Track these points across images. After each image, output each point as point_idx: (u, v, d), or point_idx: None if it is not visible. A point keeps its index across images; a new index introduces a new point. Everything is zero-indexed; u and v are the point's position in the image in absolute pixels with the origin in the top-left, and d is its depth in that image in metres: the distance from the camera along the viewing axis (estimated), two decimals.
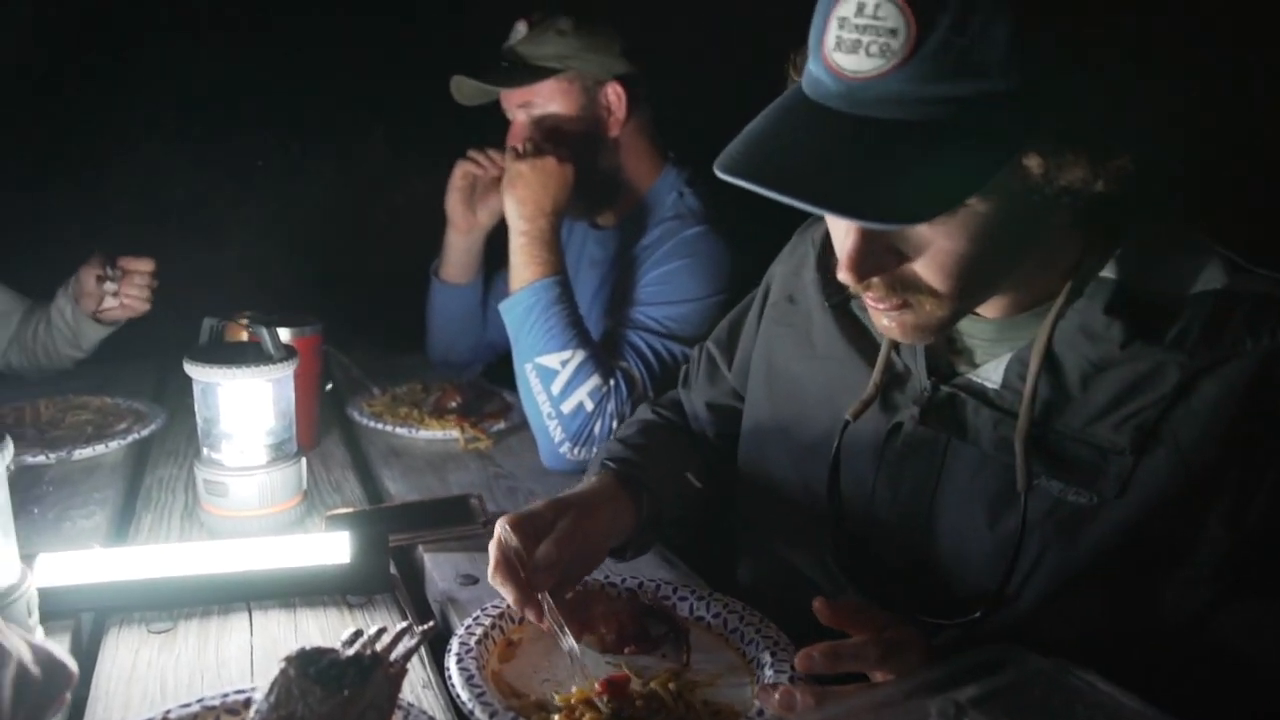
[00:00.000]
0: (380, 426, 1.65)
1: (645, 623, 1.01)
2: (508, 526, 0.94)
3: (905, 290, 0.83)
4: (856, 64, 0.73)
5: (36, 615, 0.93)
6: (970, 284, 0.82)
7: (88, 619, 1.05)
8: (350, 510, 1.30)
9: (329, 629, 1.03)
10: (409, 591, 1.14)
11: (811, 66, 0.78)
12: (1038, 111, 0.72)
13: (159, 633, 1.01)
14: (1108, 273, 0.86)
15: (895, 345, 0.99)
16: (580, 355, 1.50)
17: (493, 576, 0.93)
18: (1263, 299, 0.82)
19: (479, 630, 0.97)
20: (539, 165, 1.59)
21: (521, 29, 1.73)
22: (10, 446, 0.89)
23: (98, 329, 1.80)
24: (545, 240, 1.58)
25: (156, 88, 2.45)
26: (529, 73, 1.70)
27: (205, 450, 1.23)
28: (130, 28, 2.49)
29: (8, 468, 0.89)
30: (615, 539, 1.06)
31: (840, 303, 1.05)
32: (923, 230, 0.79)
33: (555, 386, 1.50)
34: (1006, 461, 0.89)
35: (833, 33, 0.75)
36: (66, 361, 1.88)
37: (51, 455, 1.46)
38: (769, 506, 1.13)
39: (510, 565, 0.92)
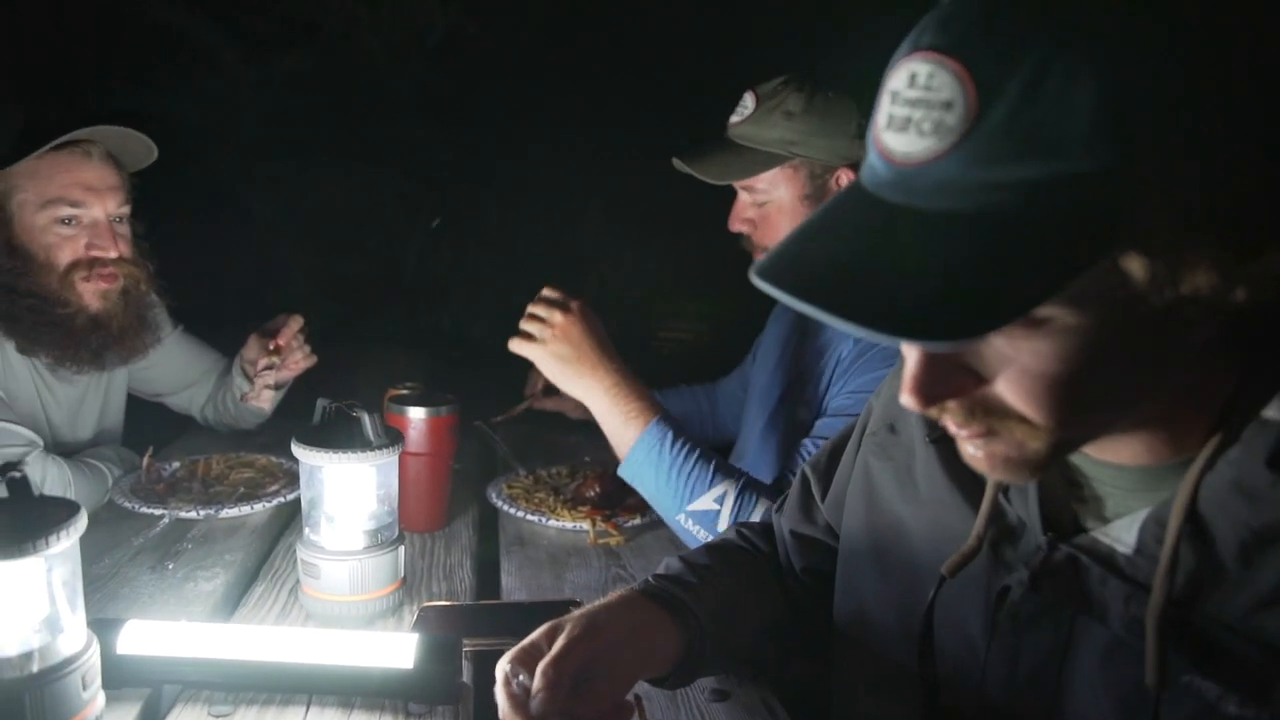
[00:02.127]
0: (512, 511, 1.61)
1: None
2: (509, 663, 0.85)
3: (989, 416, 0.67)
4: (908, 145, 0.60)
5: (95, 685, 0.93)
6: (1069, 412, 0.65)
7: (167, 691, 1.06)
8: (445, 604, 1.25)
9: None
10: (479, 702, 1.06)
11: (869, 150, 0.65)
12: (1138, 197, 0.56)
13: (219, 717, 1.00)
14: (1272, 412, 0.66)
15: (1005, 490, 0.81)
16: (734, 486, 1.39)
17: (503, 717, 0.84)
18: None
19: None
20: (552, 335, 1.47)
21: (749, 104, 1.62)
22: (83, 518, 0.90)
23: (274, 395, 1.89)
24: (619, 389, 1.46)
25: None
26: (750, 162, 1.59)
27: (306, 530, 1.22)
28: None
29: (78, 538, 0.91)
30: (649, 659, 0.94)
31: (943, 437, 0.86)
32: (999, 346, 0.63)
33: (721, 525, 1.39)
34: (1142, 648, 0.68)
35: (884, 109, 0.62)
36: (251, 422, 2.00)
37: (201, 512, 1.52)
38: (861, 660, 0.96)
39: (519, 701, 0.83)
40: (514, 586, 1.37)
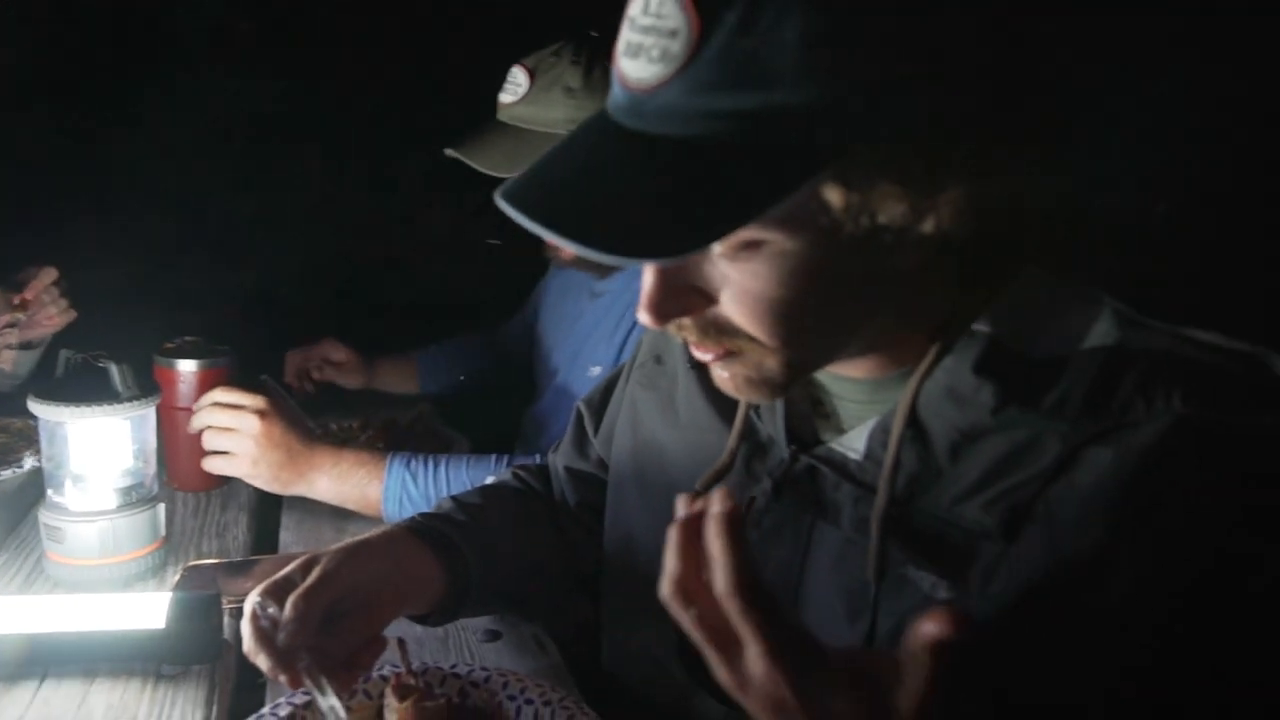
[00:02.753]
0: None
1: None
2: (259, 595, 0.82)
3: (722, 336, 0.70)
4: (639, 71, 0.61)
5: None
6: (790, 331, 0.68)
7: None
8: (211, 562, 1.19)
9: (122, 706, 0.92)
10: (243, 658, 1.02)
11: (612, 76, 0.66)
12: (837, 130, 0.59)
13: None
14: (981, 326, 0.71)
15: (756, 409, 0.85)
16: (503, 464, 1.37)
17: (247, 651, 0.82)
18: (1159, 357, 0.67)
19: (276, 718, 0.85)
20: (256, 444, 1.32)
21: (521, 81, 1.52)
22: None
23: (29, 356, 1.74)
24: (342, 461, 1.35)
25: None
26: (536, 146, 1.48)
27: (50, 492, 1.13)
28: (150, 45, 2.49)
29: None
30: (409, 596, 0.92)
31: (704, 363, 0.90)
32: (723, 268, 0.66)
33: None
34: (868, 545, 0.74)
35: (623, 35, 0.63)
36: (4, 385, 1.83)
37: None
38: (630, 587, 0.99)
39: (264, 634, 0.80)
40: (292, 541, 1.33)
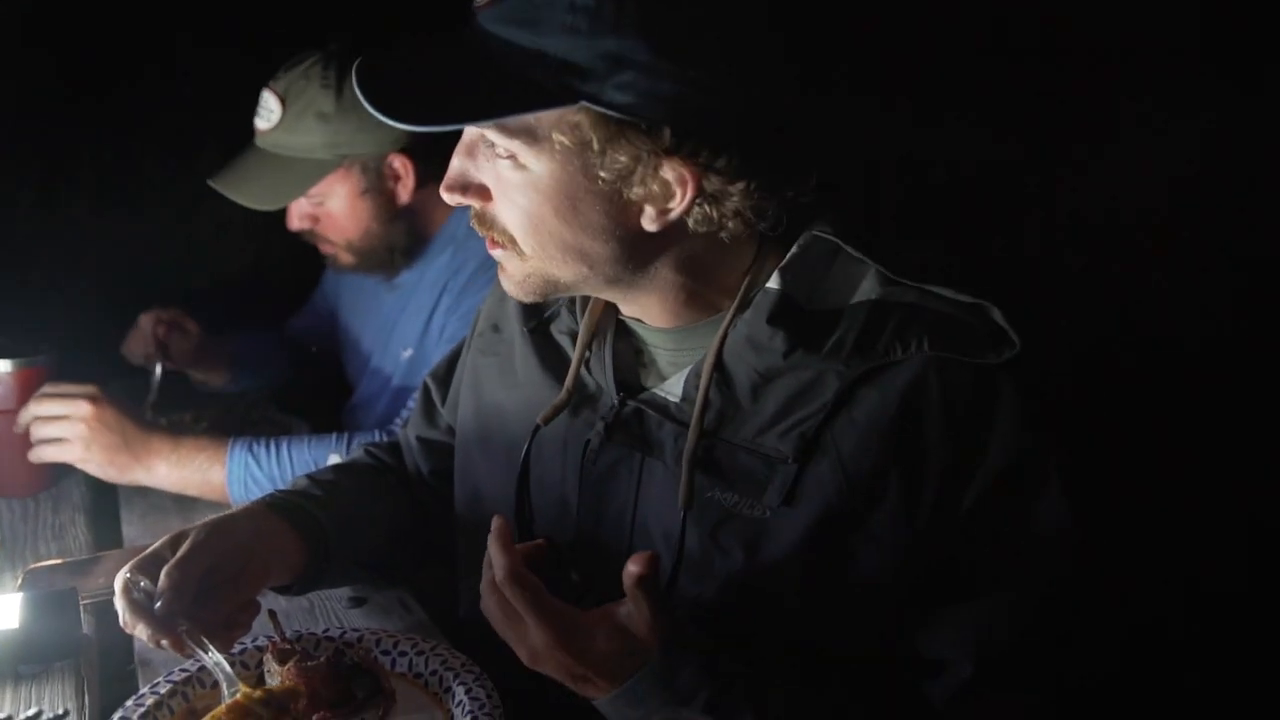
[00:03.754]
0: None
1: (349, 686, 0.92)
2: (129, 571, 0.87)
3: (493, 230, 0.86)
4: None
5: None
6: (536, 242, 0.83)
7: None
8: (55, 563, 1.17)
9: None
10: (104, 652, 1.03)
11: None
12: (579, 87, 0.73)
13: None
14: (773, 283, 0.85)
15: (587, 364, 0.96)
16: (339, 448, 1.38)
17: (124, 623, 0.86)
18: (911, 309, 0.83)
19: (151, 700, 0.88)
20: (88, 429, 1.31)
21: (274, 107, 1.50)
22: None
23: None
24: (179, 448, 1.35)
25: None
26: (299, 175, 1.50)
27: None
28: None
29: None
30: (272, 567, 0.98)
31: (538, 326, 1.02)
32: (501, 171, 0.81)
33: None
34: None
35: None
36: None
37: None
38: (481, 538, 1.07)
39: (140, 605, 0.85)
40: (137, 535, 1.32)
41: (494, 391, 1.05)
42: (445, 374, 1.19)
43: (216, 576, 0.90)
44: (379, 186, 1.55)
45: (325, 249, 1.65)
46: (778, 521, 0.83)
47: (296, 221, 1.60)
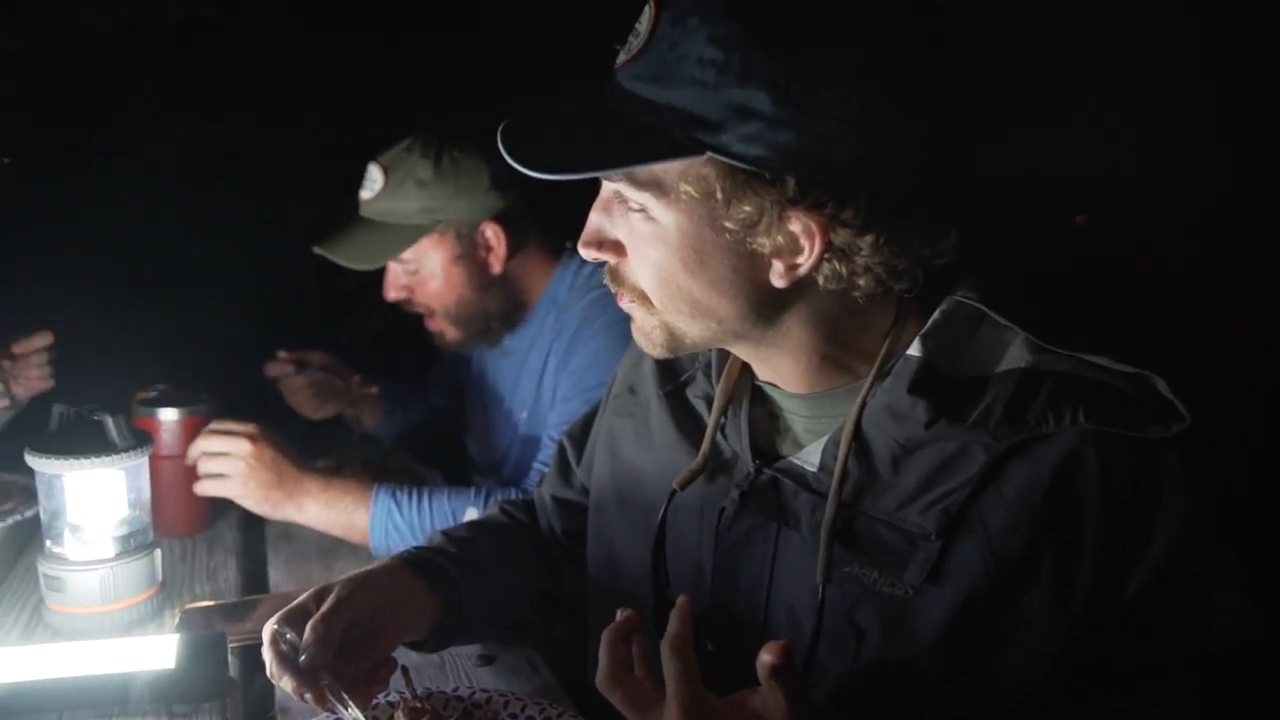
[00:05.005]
0: None
1: None
2: (277, 623, 0.90)
3: (623, 285, 0.87)
4: (621, 56, 0.80)
5: None
6: (664, 296, 0.84)
7: None
8: (208, 604, 1.23)
9: None
10: (249, 696, 1.06)
11: None
12: (705, 140, 0.74)
13: None
14: (914, 350, 0.82)
15: (722, 430, 0.94)
16: (477, 504, 1.42)
17: (271, 674, 0.88)
18: (1064, 378, 0.78)
19: None
20: (248, 466, 1.41)
21: (377, 178, 1.61)
22: None
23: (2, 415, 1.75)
24: (329, 489, 1.43)
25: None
26: (395, 238, 1.59)
27: (48, 543, 1.17)
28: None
29: None
30: (411, 623, 1.00)
31: (674, 390, 1.02)
32: (633, 224, 0.83)
33: None
34: None
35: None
36: None
37: None
38: (614, 601, 1.06)
39: (286, 657, 0.87)
40: (282, 580, 1.37)
41: (630, 454, 1.05)
42: (580, 434, 1.20)
43: (357, 631, 0.92)
44: (472, 254, 1.62)
45: (431, 325, 1.72)
46: (920, 601, 0.79)
47: (393, 292, 1.68)
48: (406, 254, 1.61)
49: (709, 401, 0.97)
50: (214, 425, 1.45)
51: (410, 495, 1.42)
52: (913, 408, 0.79)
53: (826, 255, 0.77)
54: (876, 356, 0.85)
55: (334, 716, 0.91)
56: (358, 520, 1.41)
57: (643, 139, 0.76)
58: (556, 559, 1.18)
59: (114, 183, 2.52)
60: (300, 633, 0.89)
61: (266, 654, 0.89)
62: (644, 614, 0.92)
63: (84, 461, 1.13)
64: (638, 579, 1.00)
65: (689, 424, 0.99)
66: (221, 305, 2.53)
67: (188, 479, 1.45)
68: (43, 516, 1.18)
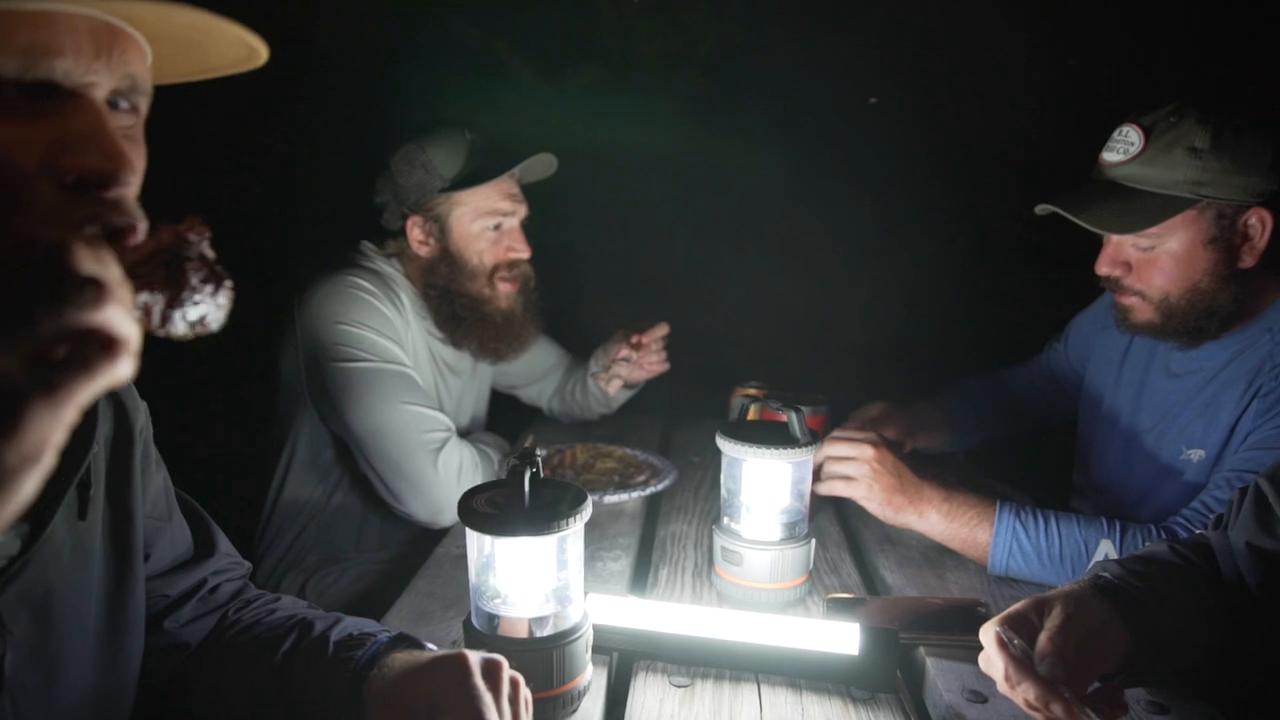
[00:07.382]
0: None
1: None
2: (1002, 626, 0.91)
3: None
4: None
5: (589, 652, 1.05)
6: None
7: (617, 658, 1.17)
8: (850, 596, 1.30)
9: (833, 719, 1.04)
10: (914, 694, 1.11)
11: None
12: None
13: (679, 687, 1.09)
14: None
15: None
16: (1113, 540, 1.34)
17: (1006, 680, 0.89)
18: None
19: None
20: (872, 470, 1.45)
21: (1134, 139, 1.47)
22: (589, 505, 1.01)
23: (624, 393, 2.03)
24: (951, 499, 1.44)
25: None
26: (1151, 208, 1.44)
27: (725, 519, 1.31)
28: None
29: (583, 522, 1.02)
30: (1108, 651, 0.95)
31: None
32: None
33: None
34: None
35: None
36: (594, 414, 2.15)
37: (599, 497, 1.66)
38: None
39: (1024, 664, 0.88)
40: (900, 584, 1.41)
41: None
42: None
43: (1084, 647, 0.91)
44: (1227, 240, 1.44)
45: (1125, 300, 1.56)
46: None
47: (1106, 267, 1.54)
48: (1152, 228, 1.46)
49: None
50: (838, 431, 1.53)
51: (1036, 517, 1.39)
52: None
53: None
54: None
55: None
56: (979, 536, 1.41)
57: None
58: (1240, 609, 1.07)
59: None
60: (1025, 639, 0.90)
61: (998, 656, 0.91)
62: None
63: (767, 451, 1.25)
64: None
65: None
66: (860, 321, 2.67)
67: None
68: (723, 493, 1.33)
